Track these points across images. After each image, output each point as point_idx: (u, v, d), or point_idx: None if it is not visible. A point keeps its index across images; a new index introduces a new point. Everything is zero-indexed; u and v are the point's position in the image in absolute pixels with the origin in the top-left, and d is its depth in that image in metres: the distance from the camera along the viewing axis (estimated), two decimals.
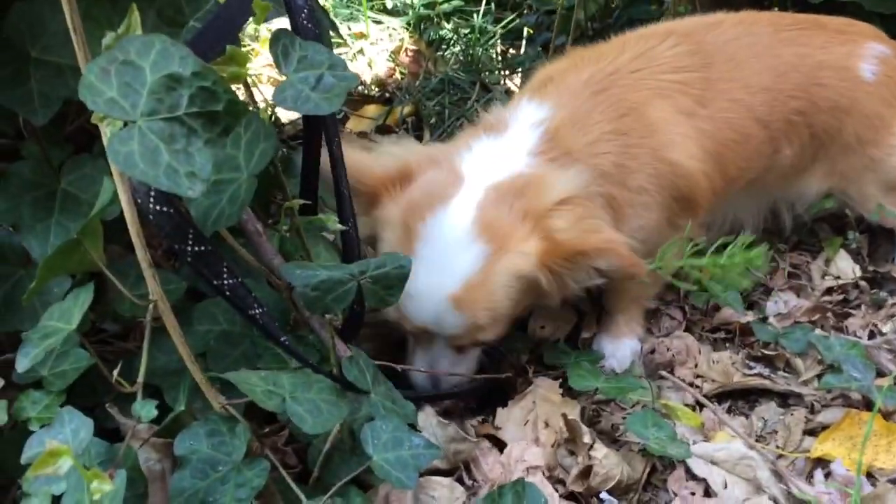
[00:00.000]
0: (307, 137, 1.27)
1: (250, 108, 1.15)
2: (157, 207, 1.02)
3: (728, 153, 1.66)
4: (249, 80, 1.23)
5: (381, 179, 1.46)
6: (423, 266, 1.35)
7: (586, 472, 1.39)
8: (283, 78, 1.08)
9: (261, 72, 2.51)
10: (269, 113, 1.13)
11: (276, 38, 1.10)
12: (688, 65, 1.66)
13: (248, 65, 1.04)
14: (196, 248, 1.07)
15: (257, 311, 1.15)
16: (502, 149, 1.50)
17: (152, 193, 1.01)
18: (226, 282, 1.11)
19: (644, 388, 1.56)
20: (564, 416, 1.45)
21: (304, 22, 1.21)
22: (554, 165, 1.48)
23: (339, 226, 1.24)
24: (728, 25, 1.77)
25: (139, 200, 1.01)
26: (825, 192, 1.93)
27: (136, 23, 0.91)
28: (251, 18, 1.09)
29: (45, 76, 1.17)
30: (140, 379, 1.14)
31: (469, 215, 1.39)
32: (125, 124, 0.85)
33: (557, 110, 1.55)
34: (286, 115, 2.24)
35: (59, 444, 0.87)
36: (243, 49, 2.55)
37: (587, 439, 1.43)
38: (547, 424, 1.47)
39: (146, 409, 1.11)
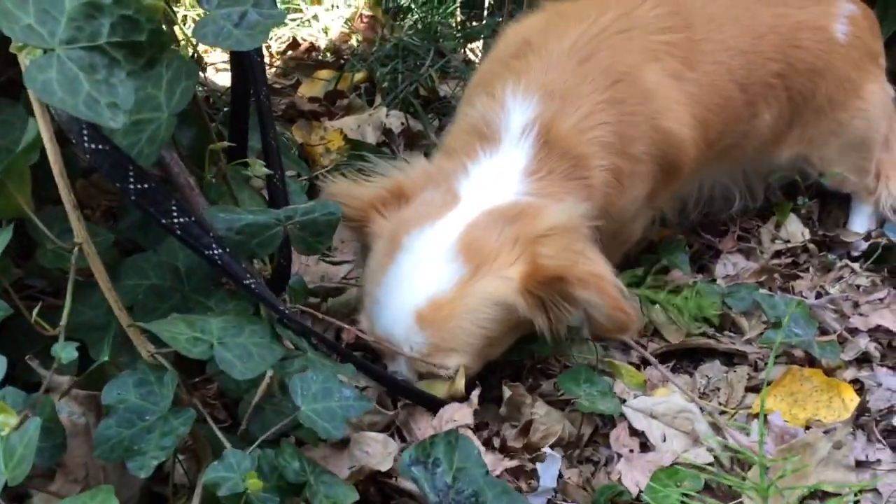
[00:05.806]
0: (235, 82, 1.24)
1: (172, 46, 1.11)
2: (93, 146, 0.98)
3: (712, 118, 1.62)
4: (177, 18, 1.19)
5: (369, 201, 1.42)
6: (397, 277, 1.33)
7: (526, 429, 1.37)
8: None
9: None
10: (192, 51, 1.09)
11: None
12: (671, 25, 1.60)
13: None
14: (139, 186, 1.02)
15: (215, 252, 1.10)
16: (498, 170, 1.44)
17: (85, 132, 0.97)
18: (176, 220, 1.06)
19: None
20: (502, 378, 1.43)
21: None
22: (553, 178, 1.43)
23: (265, 169, 1.20)
24: None
25: (73, 140, 0.97)
26: (793, 160, 1.90)
27: None
28: None
29: None
30: (63, 322, 1.08)
31: (454, 234, 1.34)
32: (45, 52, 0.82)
33: (544, 102, 1.45)
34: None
35: None
36: None
37: (528, 400, 1.42)
38: (478, 384, 1.43)
39: (66, 351, 1.06)
